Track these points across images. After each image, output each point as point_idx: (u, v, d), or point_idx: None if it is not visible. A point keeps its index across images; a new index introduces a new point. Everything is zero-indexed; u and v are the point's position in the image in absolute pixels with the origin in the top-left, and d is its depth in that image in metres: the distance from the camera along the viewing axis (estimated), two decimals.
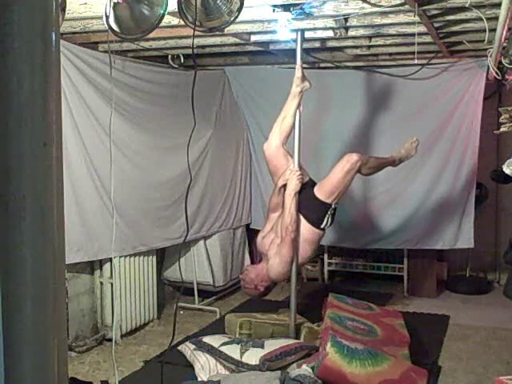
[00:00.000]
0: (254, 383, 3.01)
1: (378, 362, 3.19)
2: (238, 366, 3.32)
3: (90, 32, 3.48)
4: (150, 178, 4.36)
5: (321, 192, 3.74)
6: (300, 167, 3.79)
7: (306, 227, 3.75)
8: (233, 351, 3.40)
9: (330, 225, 3.82)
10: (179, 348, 3.69)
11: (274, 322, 3.99)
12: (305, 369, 3.17)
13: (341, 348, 3.20)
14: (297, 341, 3.67)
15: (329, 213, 3.73)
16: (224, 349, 3.44)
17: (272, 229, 3.86)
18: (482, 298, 5.24)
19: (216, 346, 3.47)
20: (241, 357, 3.34)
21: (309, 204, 3.74)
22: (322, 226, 3.76)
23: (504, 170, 3.31)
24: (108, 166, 3.25)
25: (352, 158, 3.68)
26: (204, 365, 3.43)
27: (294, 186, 3.69)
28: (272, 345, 3.46)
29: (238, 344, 3.49)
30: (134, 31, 2.54)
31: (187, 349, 3.62)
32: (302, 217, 3.75)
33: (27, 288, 0.76)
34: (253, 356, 3.33)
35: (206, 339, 3.59)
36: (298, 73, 3.75)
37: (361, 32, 3.60)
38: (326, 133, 5.11)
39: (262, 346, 3.43)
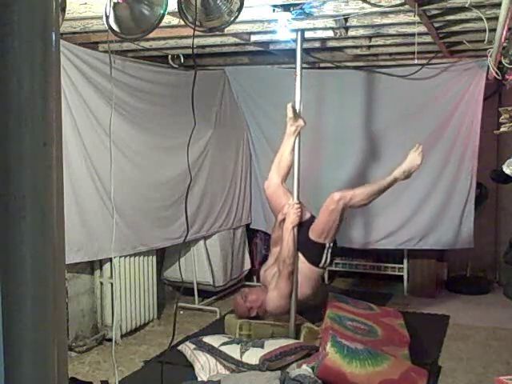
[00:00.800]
0: (254, 383, 3.01)
1: (377, 362, 3.19)
2: (238, 366, 3.32)
3: (90, 32, 3.47)
4: (149, 177, 4.36)
5: (313, 233, 3.80)
6: (300, 203, 3.82)
7: (305, 265, 3.81)
8: (233, 351, 3.40)
9: (331, 263, 3.85)
10: (179, 348, 3.69)
11: (273, 322, 3.99)
12: (305, 369, 3.17)
13: (341, 348, 3.20)
14: (297, 341, 3.67)
15: (325, 252, 3.78)
16: (224, 348, 3.44)
17: (274, 262, 3.92)
18: (482, 298, 5.23)
19: (216, 345, 3.48)
20: (241, 356, 3.34)
21: (306, 244, 3.80)
22: (320, 265, 3.81)
23: (504, 170, 3.31)
24: (108, 166, 3.25)
25: (333, 198, 3.72)
26: (204, 365, 3.43)
27: (292, 219, 3.74)
28: (272, 345, 3.46)
29: (237, 344, 3.49)
30: (134, 31, 2.54)
31: (187, 348, 3.63)
32: (301, 255, 3.80)
33: (27, 288, 0.76)
34: (253, 356, 3.33)
35: (206, 339, 3.60)
36: (290, 113, 3.76)
37: (361, 32, 3.60)
38: (326, 133, 5.11)
39: (262, 346, 3.44)
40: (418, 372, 3.31)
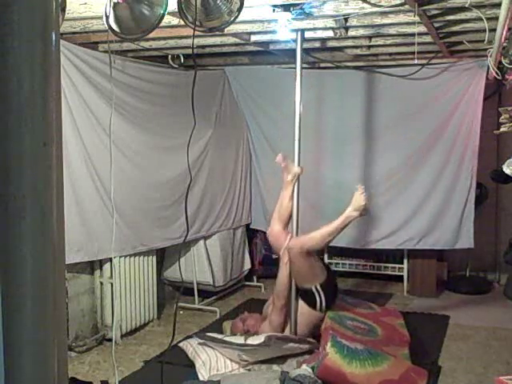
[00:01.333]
0: (254, 383, 3.02)
1: (377, 362, 3.19)
2: (241, 347, 3.38)
3: (90, 32, 3.48)
4: (149, 177, 4.36)
5: (296, 281, 3.81)
6: None
7: (305, 307, 3.83)
8: (237, 339, 3.52)
9: (328, 303, 3.81)
10: (180, 345, 3.76)
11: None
12: (305, 369, 3.18)
13: (341, 348, 3.20)
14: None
15: (316, 294, 3.78)
16: (227, 338, 3.56)
17: None
18: (482, 298, 5.23)
19: (220, 337, 3.59)
20: (245, 341, 3.44)
21: (300, 290, 3.83)
22: (317, 308, 3.81)
23: (504, 170, 3.31)
24: (108, 166, 3.25)
25: (287, 249, 3.76)
26: (205, 361, 3.47)
27: (287, 255, 3.78)
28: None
29: (241, 335, 3.65)
30: (134, 31, 2.54)
31: (189, 345, 3.68)
32: (301, 300, 3.83)
33: (27, 288, 0.76)
34: (257, 339, 3.44)
35: (210, 333, 3.72)
36: (283, 164, 3.85)
37: (361, 32, 3.60)
38: (326, 133, 5.11)
39: (267, 333, 3.61)
40: (418, 372, 3.31)
